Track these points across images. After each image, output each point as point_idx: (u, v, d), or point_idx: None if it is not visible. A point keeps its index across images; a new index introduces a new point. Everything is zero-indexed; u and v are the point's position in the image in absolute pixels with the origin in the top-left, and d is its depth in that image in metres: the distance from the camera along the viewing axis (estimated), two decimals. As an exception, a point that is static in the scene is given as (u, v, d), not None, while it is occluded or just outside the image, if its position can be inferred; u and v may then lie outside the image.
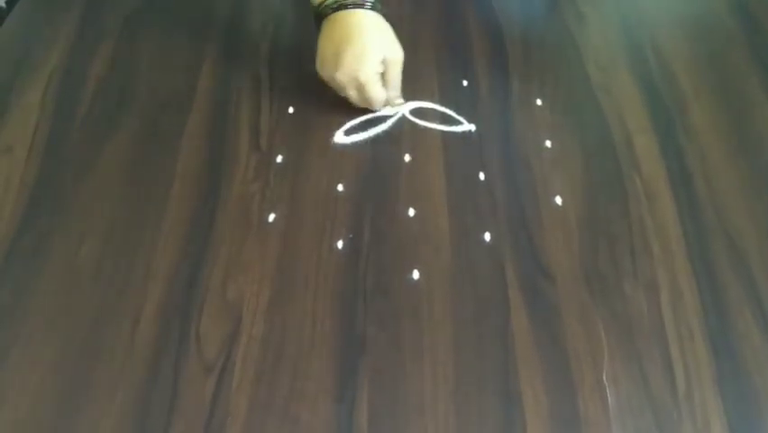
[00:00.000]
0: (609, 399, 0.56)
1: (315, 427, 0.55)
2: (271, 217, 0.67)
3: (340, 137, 0.73)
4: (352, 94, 0.71)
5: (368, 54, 0.68)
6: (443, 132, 0.74)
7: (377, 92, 0.71)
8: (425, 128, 0.75)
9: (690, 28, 0.87)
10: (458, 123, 0.75)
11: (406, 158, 0.72)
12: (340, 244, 0.65)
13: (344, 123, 0.74)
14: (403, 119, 0.75)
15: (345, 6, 0.69)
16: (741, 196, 0.70)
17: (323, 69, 0.71)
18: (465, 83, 0.79)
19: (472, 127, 0.75)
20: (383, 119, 0.75)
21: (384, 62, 0.70)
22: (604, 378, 0.57)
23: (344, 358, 0.58)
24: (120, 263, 0.63)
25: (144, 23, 0.85)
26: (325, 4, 0.70)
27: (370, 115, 0.75)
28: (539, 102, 0.77)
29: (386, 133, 0.74)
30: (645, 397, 0.56)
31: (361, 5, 0.69)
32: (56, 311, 0.61)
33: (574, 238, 0.66)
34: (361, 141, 0.73)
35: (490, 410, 0.56)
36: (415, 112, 0.76)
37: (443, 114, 0.76)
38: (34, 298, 0.61)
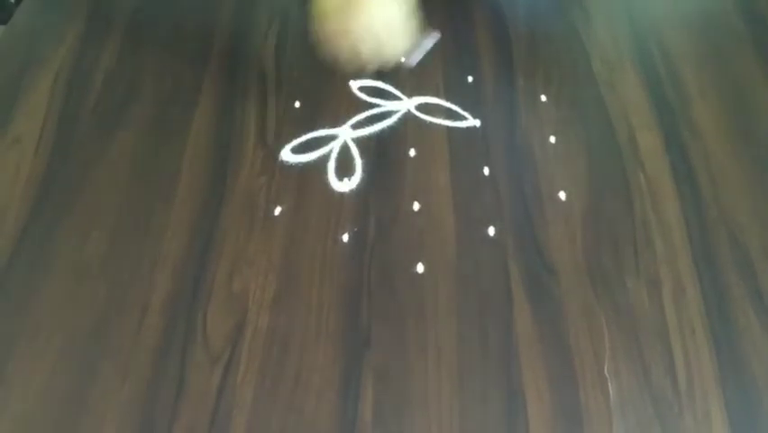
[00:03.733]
0: (611, 392, 0.57)
1: (320, 418, 0.55)
2: (277, 211, 0.67)
3: (346, 132, 0.74)
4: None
5: None
6: (447, 127, 0.75)
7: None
8: (430, 123, 0.75)
9: (696, 25, 0.87)
10: (463, 118, 0.75)
11: (411, 153, 0.72)
12: (345, 238, 0.66)
13: (351, 117, 0.75)
14: (408, 114, 0.76)
15: None
16: (744, 193, 0.70)
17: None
18: (470, 79, 0.79)
19: (477, 122, 0.75)
20: (389, 114, 0.75)
21: None
22: (606, 372, 0.58)
23: (349, 351, 0.59)
24: (127, 256, 0.64)
25: (151, 17, 0.86)
26: None
27: (375, 110, 0.75)
28: (544, 98, 0.77)
29: (391, 128, 0.74)
30: (647, 391, 0.57)
31: None
32: (63, 303, 0.61)
33: (578, 233, 0.66)
34: (366, 135, 0.74)
35: (493, 403, 0.56)
36: (420, 107, 0.76)
37: (448, 109, 0.76)
38: (42, 289, 0.62)
